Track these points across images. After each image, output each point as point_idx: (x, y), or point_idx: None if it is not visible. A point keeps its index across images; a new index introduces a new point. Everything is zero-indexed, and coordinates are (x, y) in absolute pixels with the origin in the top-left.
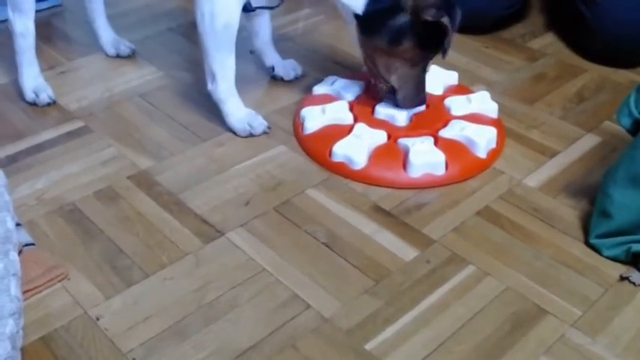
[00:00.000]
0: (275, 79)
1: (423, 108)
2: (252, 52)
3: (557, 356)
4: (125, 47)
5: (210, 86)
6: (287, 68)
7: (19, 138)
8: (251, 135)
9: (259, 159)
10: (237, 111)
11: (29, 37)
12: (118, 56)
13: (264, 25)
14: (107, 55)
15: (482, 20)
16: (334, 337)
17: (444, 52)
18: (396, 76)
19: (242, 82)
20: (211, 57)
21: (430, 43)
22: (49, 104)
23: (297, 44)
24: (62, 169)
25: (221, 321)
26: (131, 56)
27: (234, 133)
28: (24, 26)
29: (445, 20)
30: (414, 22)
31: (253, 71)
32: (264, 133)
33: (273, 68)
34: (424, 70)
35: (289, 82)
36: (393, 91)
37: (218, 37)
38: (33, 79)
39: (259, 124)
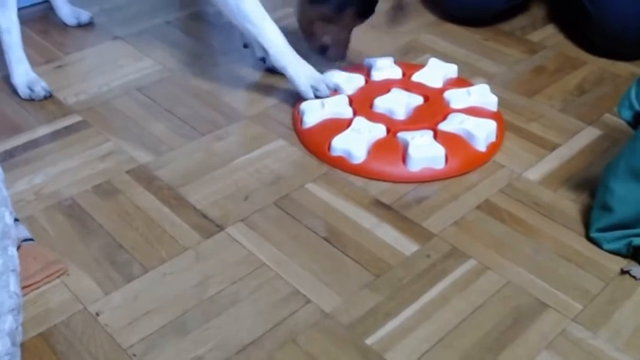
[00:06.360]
0: (270, 72)
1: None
2: (245, 45)
3: (558, 350)
4: (85, 16)
5: (267, 59)
6: None
7: (17, 133)
8: (317, 97)
9: (258, 153)
10: (302, 72)
11: (14, 32)
12: (79, 25)
13: None
14: (67, 26)
15: (483, 13)
16: (335, 332)
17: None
18: (330, 37)
19: (239, 77)
20: (254, 32)
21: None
22: (45, 97)
23: (293, 38)
24: (60, 164)
25: (221, 316)
26: (91, 24)
27: (303, 97)
28: (8, 21)
29: None
30: None
31: (251, 65)
32: (326, 96)
33: (264, 60)
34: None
35: None
36: (323, 50)
37: (250, 13)
38: (24, 75)
39: (324, 88)
